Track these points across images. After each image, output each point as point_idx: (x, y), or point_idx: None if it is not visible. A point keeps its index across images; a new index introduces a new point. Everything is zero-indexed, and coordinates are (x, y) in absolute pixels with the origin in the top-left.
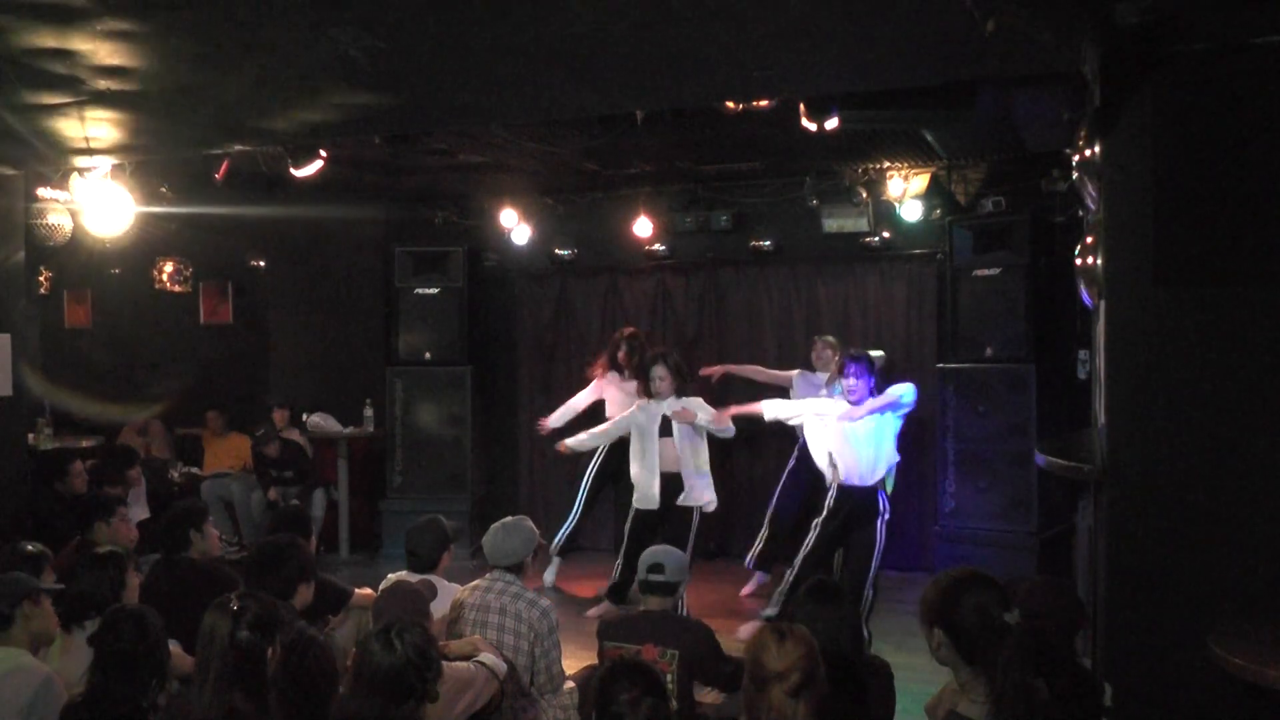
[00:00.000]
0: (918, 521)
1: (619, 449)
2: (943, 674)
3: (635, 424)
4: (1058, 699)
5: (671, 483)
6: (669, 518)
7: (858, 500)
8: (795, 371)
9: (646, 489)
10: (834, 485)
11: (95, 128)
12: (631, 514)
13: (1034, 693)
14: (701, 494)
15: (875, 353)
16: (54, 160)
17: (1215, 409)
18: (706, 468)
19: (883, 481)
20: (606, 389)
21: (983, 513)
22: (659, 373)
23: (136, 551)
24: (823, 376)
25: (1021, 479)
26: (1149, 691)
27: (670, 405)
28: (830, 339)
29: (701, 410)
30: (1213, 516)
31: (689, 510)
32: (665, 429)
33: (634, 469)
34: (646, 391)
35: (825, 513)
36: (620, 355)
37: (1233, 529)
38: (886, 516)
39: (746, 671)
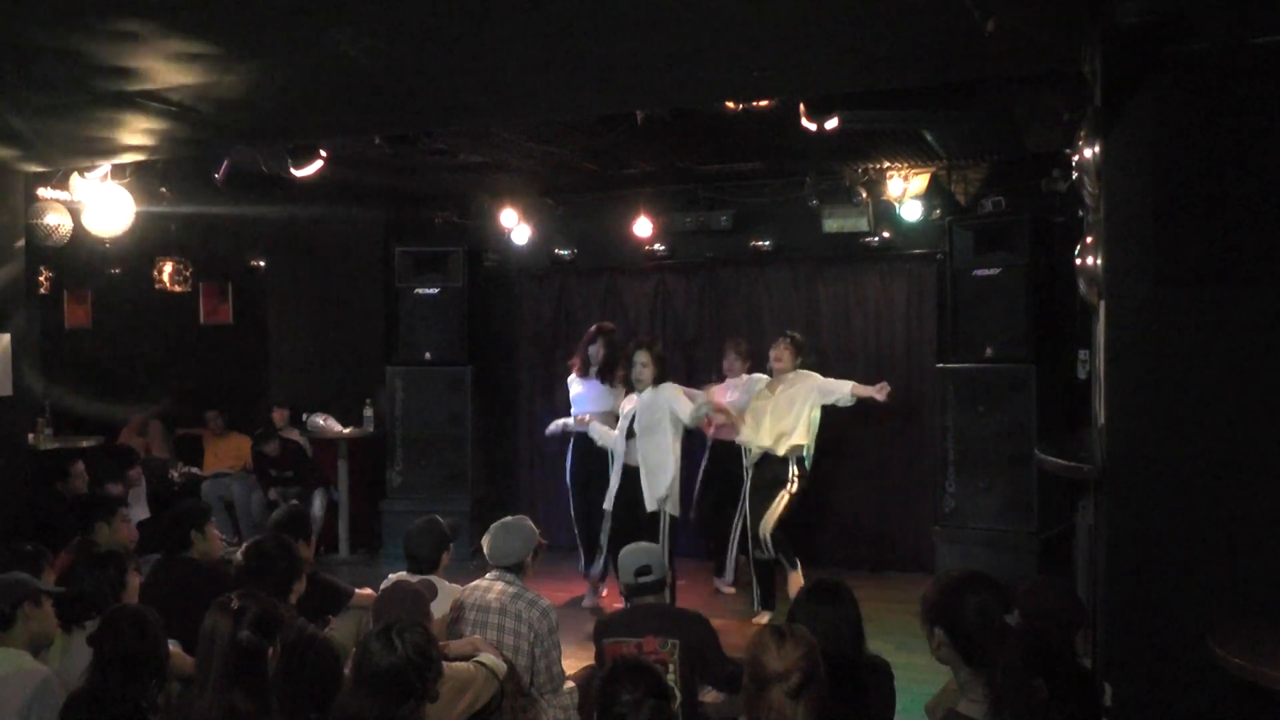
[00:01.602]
0: (918, 521)
1: (584, 457)
2: (943, 674)
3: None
4: (1058, 699)
5: (630, 477)
6: (639, 522)
7: (770, 467)
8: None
9: (612, 487)
10: (754, 455)
11: (96, 127)
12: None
13: (1034, 693)
14: (670, 501)
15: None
16: (54, 160)
17: (1215, 409)
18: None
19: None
20: (572, 385)
21: (983, 513)
22: (642, 359)
23: (137, 551)
24: (732, 381)
25: (1021, 479)
26: (1149, 691)
27: (647, 400)
28: (742, 349)
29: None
30: (1213, 516)
31: (655, 514)
32: (629, 430)
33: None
34: (626, 382)
35: (748, 482)
36: (593, 350)
37: (1233, 529)
38: (793, 487)
39: (746, 672)
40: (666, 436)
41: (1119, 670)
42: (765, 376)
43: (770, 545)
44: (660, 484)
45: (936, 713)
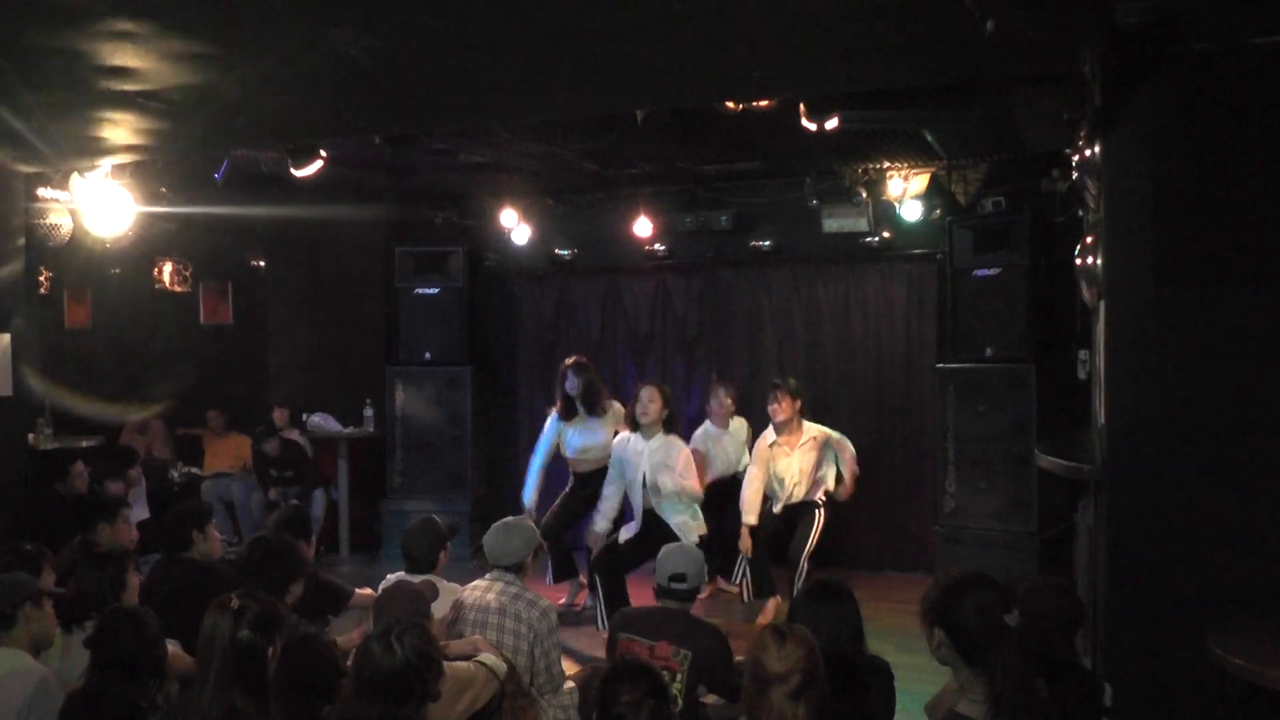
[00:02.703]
0: (918, 521)
1: (590, 484)
2: (943, 674)
3: (616, 460)
4: (1058, 699)
5: (649, 517)
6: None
7: (794, 511)
8: (697, 435)
9: (629, 529)
10: (778, 504)
11: (97, 127)
12: (605, 545)
13: (1034, 693)
14: (691, 532)
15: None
16: (54, 160)
17: (1215, 409)
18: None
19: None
20: (557, 428)
21: (983, 513)
22: (647, 395)
23: (137, 551)
24: (716, 429)
25: (1021, 479)
26: (1149, 691)
27: (656, 448)
28: (730, 392)
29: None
30: (1213, 516)
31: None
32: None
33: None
34: (631, 422)
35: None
36: (570, 386)
37: (1233, 529)
38: (822, 518)
39: (747, 673)
40: (674, 486)
41: (1119, 670)
42: (744, 422)
43: (804, 574)
44: (692, 528)
45: (936, 713)
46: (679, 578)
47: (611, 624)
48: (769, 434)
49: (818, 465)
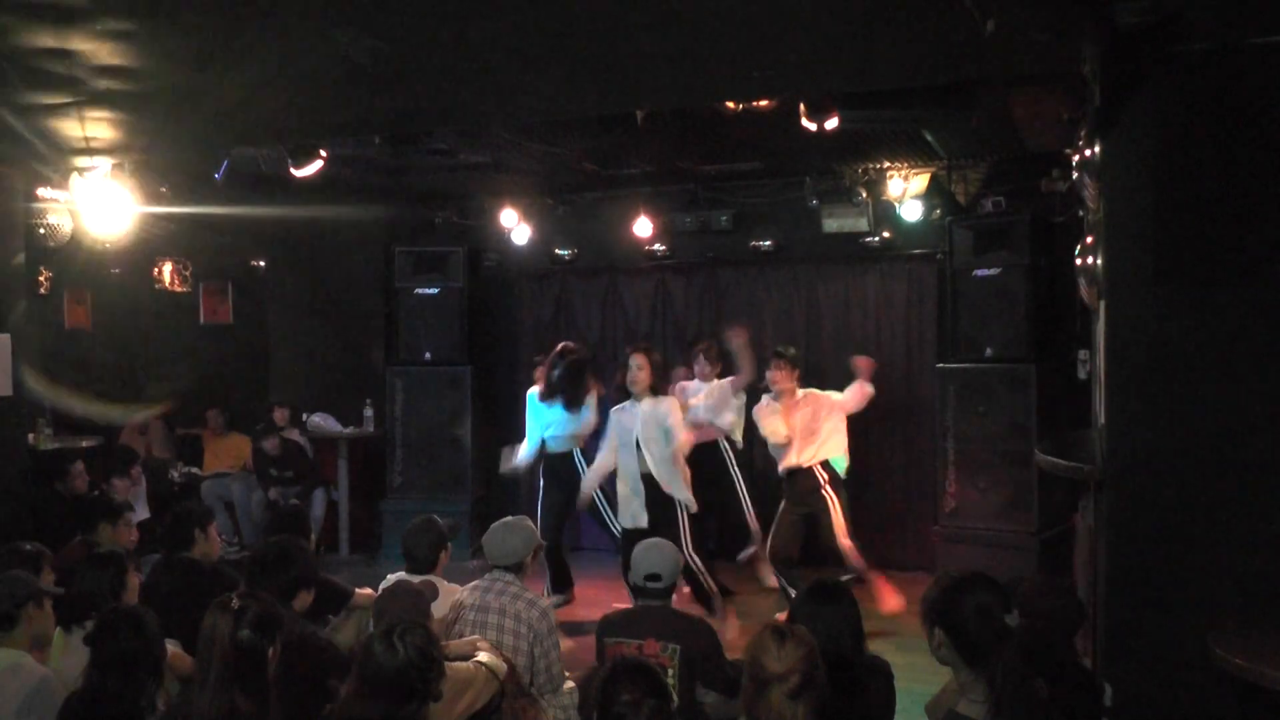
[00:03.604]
0: (918, 521)
1: (554, 483)
2: (943, 674)
3: (614, 423)
4: (1058, 699)
5: (651, 487)
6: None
7: (799, 479)
8: (678, 388)
9: (629, 505)
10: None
11: (95, 128)
12: (620, 536)
13: (1034, 693)
14: (680, 494)
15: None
16: (54, 160)
17: (1215, 409)
18: (680, 468)
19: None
20: (533, 404)
21: (983, 513)
22: (637, 361)
23: (137, 552)
24: (702, 385)
25: (1021, 479)
26: (1149, 691)
27: (648, 411)
28: (713, 353)
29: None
30: (1213, 516)
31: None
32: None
33: (618, 485)
34: (623, 390)
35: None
36: (556, 375)
37: (1233, 529)
38: (833, 497)
39: (746, 672)
40: (668, 446)
41: (1119, 670)
42: (727, 383)
43: (854, 552)
44: (680, 488)
45: (936, 713)
46: (654, 577)
47: (597, 630)
48: (765, 399)
49: (816, 418)
